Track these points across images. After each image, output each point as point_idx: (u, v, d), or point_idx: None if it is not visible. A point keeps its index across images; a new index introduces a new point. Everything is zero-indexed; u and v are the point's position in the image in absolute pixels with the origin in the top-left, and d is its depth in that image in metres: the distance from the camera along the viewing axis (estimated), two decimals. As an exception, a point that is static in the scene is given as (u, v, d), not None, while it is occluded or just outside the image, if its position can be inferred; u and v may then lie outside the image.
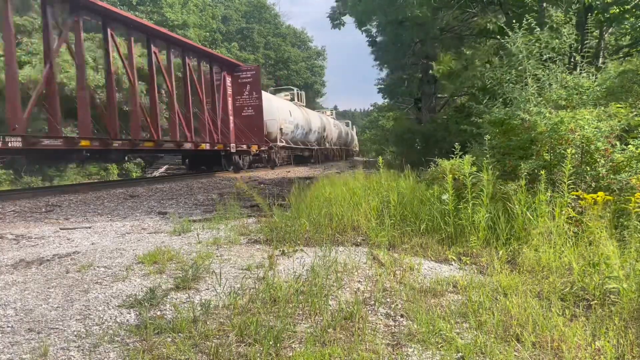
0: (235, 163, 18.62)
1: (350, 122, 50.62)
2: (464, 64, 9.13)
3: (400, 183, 6.18)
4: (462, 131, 7.27)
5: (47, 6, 10.53)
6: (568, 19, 6.04)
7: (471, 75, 8.19)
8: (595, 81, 5.39)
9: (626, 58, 8.58)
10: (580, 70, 5.79)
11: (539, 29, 6.03)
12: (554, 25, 6.11)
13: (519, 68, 5.80)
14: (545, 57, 5.82)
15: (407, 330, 2.48)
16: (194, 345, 2.31)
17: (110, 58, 12.39)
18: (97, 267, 3.81)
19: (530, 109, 5.03)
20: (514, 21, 6.61)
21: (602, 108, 4.79)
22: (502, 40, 6.46)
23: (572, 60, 6.28)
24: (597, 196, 3.42)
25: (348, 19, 13.89)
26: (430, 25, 10.55)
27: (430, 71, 11.12)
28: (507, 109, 5.31)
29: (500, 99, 5.78)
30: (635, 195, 3.28)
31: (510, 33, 6.06)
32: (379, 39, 15.01)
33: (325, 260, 3.54)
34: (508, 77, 5.83)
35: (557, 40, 5.85)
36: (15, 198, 9.06)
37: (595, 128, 4.21)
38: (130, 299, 2.97)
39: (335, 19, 13.40)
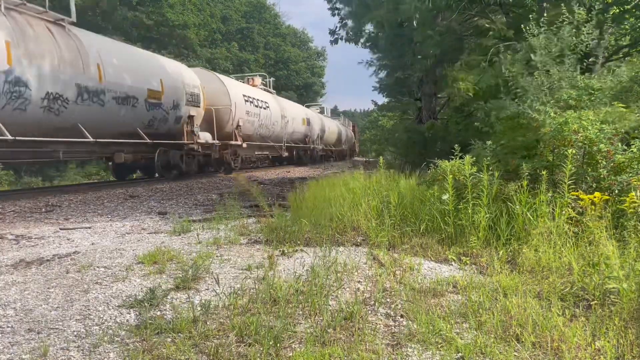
0: None
1: (323, 107, 38.91)
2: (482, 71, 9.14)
3: (400, 183, 6.18)
4: (462, 131, 7.26)
5: None
6: (589, 18, 5.97)
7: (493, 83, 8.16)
8: (607, 82, 5.38)
9: (626, 58, 8.57)
10: (589, 70, 5.77)
11: (546, 27, 6.00)
12: (575, 23, 6.01)
13: (538, 65, 5.75)
14: (556, 54, 5.79)
15: (407, 330, 2.48)
16: (194, 346, 2.31)
17: None
18: (97, 267, 3.81)
19: (539, 107, 5.00)
20: (530, 17, 6.53)
21: (608, 109, 4.77)
22: (516, 43, 6.42)
23: (585, 60, 6.22)
24: (594, 197, 3.42)
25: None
26: (430, 27, 10.54)
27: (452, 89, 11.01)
28: (519, 107, 5.27)
29: (512, 94, 5.75)
30: (630, 195, 3.28)
31: (522, 32, 6.02)
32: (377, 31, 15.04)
33: (325, 261, 3.54)
34: (524, 72, 5.79)
35: (573, 39, 5.81)
36: (15, 198, 9.05)
37: (598, 130, 4.20)
38: (130, 299, 2.97)
39: (335, 37, 13.55)
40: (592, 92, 5.24)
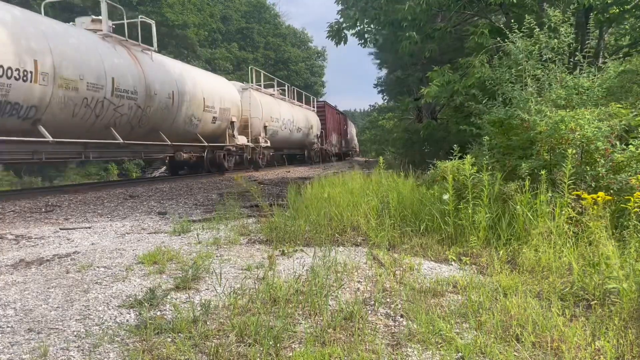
0: None
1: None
2: (460, 74, 9.11)
3: (400, 183, 6.18)
4: (462, 131, 7.27)
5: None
6: (566, 19, 6.04)
7: (469, 83, 8.21)
8: (595, 81, 5.39)
9: (626, 58, 8.59)
10: (580, 70, 5.79)
11: (538, 29, 6.03)
12: (552, 25, 6.11)
13: (519, 68, 5.81)
14: (544, 57, 5.83)
15: (407, 330, 2.48)
16: (194, 346, 2.31)
17: None
18: (97, 267, 3.81)
19: (531, 108, 5.03)
20: (512, 21, 6.62)
21: (603, 108, 4.79)
22: (502, 43, 6.47)
23: (572, 60, 6.29)
24: (598, 196, 3.42)
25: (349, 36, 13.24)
26: (429, 27, 10.56)
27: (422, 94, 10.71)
28: (506, 108, 5.31)
29: (500, 99, 5.79)
30: (635, 195, 3.28)
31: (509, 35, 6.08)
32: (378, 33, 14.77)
33: (325, 261, 3.54)
34: (507, 77, 5.84)
35: (555, 40, 5.86)
36: (15, 198, 9.04)
37: (595, 128, 4.21)
38: (130, 299, 2.97)
39: (335, 37, 12.75)
40: (583, 90, 5.25)
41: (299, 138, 24.51)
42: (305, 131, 25.16)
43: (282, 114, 21.66)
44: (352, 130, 45.68)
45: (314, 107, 28.68)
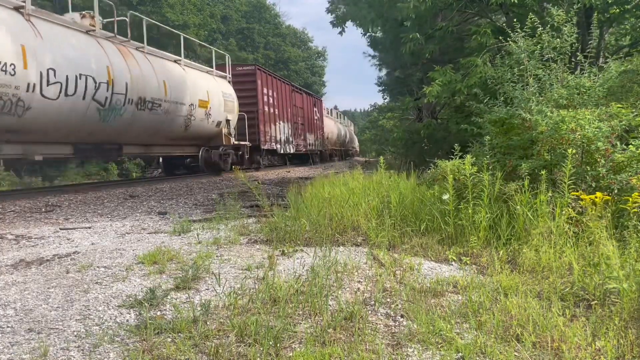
0: None
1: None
2: (462, 73, 9.13)
3: (400, 183, 6.18)
4: (463, 131, 7.27)
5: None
6: (569, 18, 6.05)
7: (471, 82, 8.22)
8: (597, 81, 5.39)
9: (626, 58, 8.58)
10: (582, 70, 5.80)
11: (541, 27, 6.03)
12: (555, 25, 6.12)
13: (521, 67, 5.81)
14: (546, 57, 5.83)
15: (407, 330, 2.47)
16: (194, 346, 2.31)
17: None
18: (97, 267, 3.81)
19: (532, 108, 5.03)
20: (514, 21, 6.62)
21: (604, 108, 4.79)
22: (504, 42, 6.48)
23: (574, 60, 6.30)
24: (596, 197, 3.42)
25: (349, 23, 13.30)
26: (430, 26, 10.56)
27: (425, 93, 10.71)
28: (508, 108, 5.31)
29: (502, 99, 5.79)
30: (633, 195, 3.28)
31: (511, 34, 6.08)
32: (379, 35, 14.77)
33: (325, 261, 3.54)
34: (509, 77, 5.84)
35: (558, 40, 5.86)
36: (15, 198, 9.05)
37: (596, 128, 4.21)
38: (130, 299, 2.97)
39: (337, 24, 12.74)
40: (584, 90, 5.25)
41: (165, 124, 12.71)
42: (185, 113, 13.32)
43: (57, 63, 9.05)
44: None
45: (227, 72, 16.91)
